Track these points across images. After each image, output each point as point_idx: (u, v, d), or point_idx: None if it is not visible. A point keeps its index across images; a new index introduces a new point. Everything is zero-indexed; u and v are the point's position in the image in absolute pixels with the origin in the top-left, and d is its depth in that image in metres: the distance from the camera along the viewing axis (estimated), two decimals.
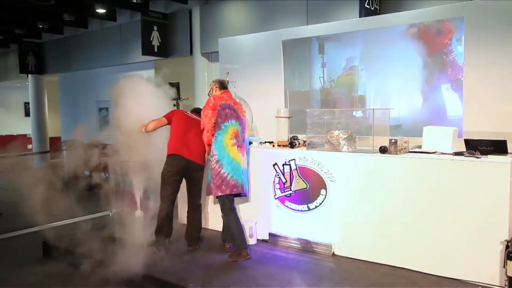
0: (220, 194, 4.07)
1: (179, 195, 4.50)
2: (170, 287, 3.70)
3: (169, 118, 4.48)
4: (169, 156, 4.33)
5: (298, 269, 3.89)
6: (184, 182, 4.48)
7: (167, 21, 8.99)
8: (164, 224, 4.35)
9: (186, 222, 4.59)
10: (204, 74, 8.54)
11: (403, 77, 5.49)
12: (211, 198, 4.94)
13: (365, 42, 5.78)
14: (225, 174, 4.05)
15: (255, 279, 3.68)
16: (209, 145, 4.18)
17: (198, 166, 4.36)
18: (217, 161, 4.06)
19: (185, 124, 4.42)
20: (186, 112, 4.63)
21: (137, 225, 4.83)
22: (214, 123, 4.11)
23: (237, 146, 4.14)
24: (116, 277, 4.09)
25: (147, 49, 8.70)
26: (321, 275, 3.74)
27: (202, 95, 8.40)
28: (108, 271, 4.18)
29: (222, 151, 4.07)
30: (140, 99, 4.71)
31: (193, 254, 4.35)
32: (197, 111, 4.70)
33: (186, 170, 4.32)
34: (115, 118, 4.77)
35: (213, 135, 4.12)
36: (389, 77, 5.56)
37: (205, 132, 4.17)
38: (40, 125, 13.09)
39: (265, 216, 4.67)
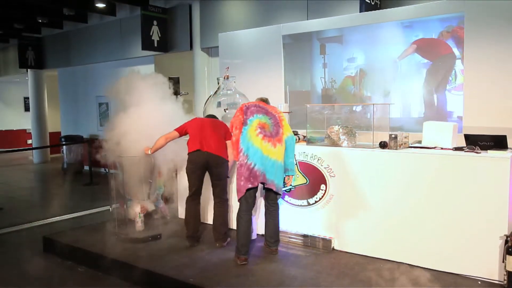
0: (250, 186, 3.88)
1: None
2: (169, 281, 3.70)
3: (181, 130, 4.50)
4: (189, 154, 4.39)
5: (298, 264, 3.89)
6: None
7: (167, 15, 8.96)
8: (189, 219, 4.43)
9: (208, 221, 4.65)
10: (204, 69, 8.52)
11: (405, 75, 5.50)
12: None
13: (366, 42, 5.78)
14: (251, 165, 3.87)
15: (254, 274, 3.69)
16: (237, 141, 4.03)
17: (218, 158, 4.33)
18: (243, 153, 3.92)
19: (200, 124, 4.49)
20: (198, 117, 4.74)
21: (137, 220, 4.85)
22: (242, 121, 4.03)
23: (264, 135, 3.92)
24: (116, 272, 4.12)
25: (147, 44, 8.68)
26: (320, 270, 3.74)
27: (202, 90, 8.40)
28: (107, 267, 4.20)
29: (246, 142, 3.93)
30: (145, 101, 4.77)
31: (195, 249, 4.34)
32: (211, 117, 4.78)
33: (206, 163, 4.33)
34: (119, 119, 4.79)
35: (241, 132, 4.02)
36: (391, 75, 5.57)
37: (233, 130, 4.11)
38: (40, 120, 13.08)
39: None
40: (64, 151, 11.17)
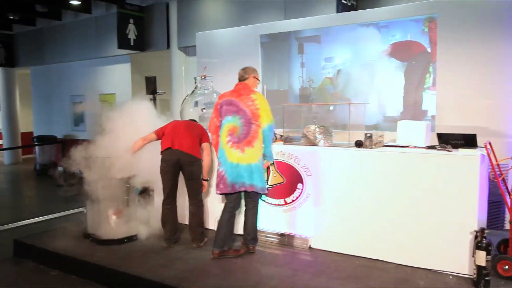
0: (218, 192, 4.06)
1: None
2: (145, 283, 3.66)
3: (159, 132, 4.50)
4: (161, 153, 4.38)
5: (275, 263, 3.91)
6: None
7: (144, 14, 8.86)
8: (165, 219, 4.41)
9: (185, 221, 4.61)
10: (182, 68, 8.46)
11: (382, 76, 5.59)
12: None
13: (344, 42, 5.85)
14: (223, 173, 3.97)
15: (231, 273, 3.69)
16: (216, 146, 4.12)
17: (189, 157, 4.30)
18: (218, 159, 4.05)
19: (174, 125, 4.51)
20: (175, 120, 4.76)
21: (112, 222, 4.76)
22: (218, 125, 4.06)
23: (232, 143, 3.94)
24: (91, 275, 4.04)
25: (123, 43, 8.57)
26: (297, 268, 3.77)
27: (179, 90, 8.34)
28: (82, 270, 4.12)
29: (220, 149, 4.03)
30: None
31: (172, 250, 4.30)
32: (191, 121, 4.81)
33: (177, 162, 4.30)
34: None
35: (219, 136, 4.06)
36: (368, 75, 5.66)
37: (211, 134, 4.16)
38: (11, 119, 12.74)
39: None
40: (37, 152, 10.91)
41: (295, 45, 6.28)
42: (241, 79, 4.19)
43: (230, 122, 3.99)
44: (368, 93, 5.68)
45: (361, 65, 5.71)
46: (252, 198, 4.12)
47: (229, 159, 3.95)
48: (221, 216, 4.08)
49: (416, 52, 5.31)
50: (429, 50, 5.19)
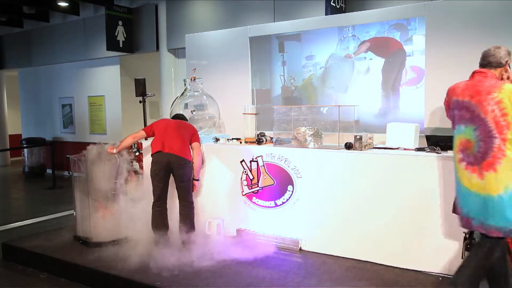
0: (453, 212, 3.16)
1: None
2: (135, 286, 3.64)
3: (148, 131, 4.51)
4: (152, 155, 4.38)
5: (265, 265, 3.91)
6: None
7: (132, 15, 8.82)
8: (156, 222, 4.40)
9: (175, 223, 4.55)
10: (171, 70, 8.44)
11: (362, 72, 5.61)
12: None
13: (323, 39, 5.87)
14: (456, 197, 3.05)
15: (222, 276, 3.68)
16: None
17: (180, 160, 4.30)
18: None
19: (165, 125, 4.49)
20: (165, 118, 4.76)
21: (102, 225, 4.73)
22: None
23: (467, 163, 2.87)
24: (80, 278, 4.01)
25: (112, 45, 8.52)
26: (288, 270, 3.77)
27: (169, 92, 8.31)
28: (71, 273, 4.08)
29: (454, 164, 3.02)
30: None
31: (162, 252, 4.26)
32: (179, 117, 4.77)
33: (168, 165, 4.30)
34: None
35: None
36: (348, 72, 5.68)
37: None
38: None
39: (232, 213, 4.67)
40: (26, 154, 10.79)
41: (276, 43, 6.29)
42: (483, 64, 2.92)
43: (461, 133, 2.93)
44: (349, 90, 5.68)
45: (341, 61, 5.72)
46: (487, 240, 2.90)
47: (463, 183, 2.92)
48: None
49: (393, 49, 5.35)
50: (404, 47, 5.25)
